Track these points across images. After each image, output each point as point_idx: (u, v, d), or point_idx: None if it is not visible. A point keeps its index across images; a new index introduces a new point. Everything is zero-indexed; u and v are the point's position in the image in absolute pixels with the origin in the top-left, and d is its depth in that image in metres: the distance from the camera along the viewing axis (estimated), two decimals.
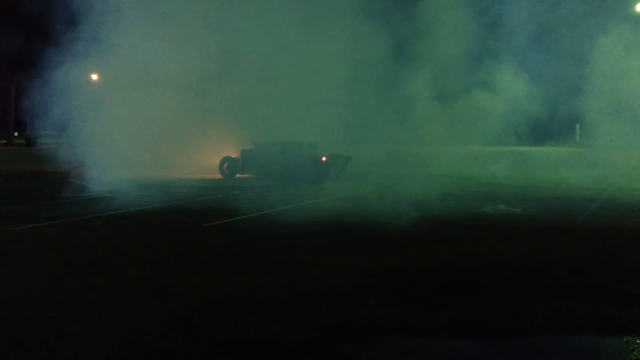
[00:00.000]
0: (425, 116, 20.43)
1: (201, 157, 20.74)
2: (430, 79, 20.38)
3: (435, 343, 5.27)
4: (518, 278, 7.17)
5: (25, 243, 9.21)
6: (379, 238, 9.64)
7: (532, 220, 11.46)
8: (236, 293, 6.49)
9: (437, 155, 23.60)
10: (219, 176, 19.92)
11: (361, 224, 10.86)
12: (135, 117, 18.63)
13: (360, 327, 5.49)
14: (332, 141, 19.99)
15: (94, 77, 62.61)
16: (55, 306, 6.02)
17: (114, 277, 7.13)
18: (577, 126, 29.31)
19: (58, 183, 18.22)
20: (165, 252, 8.59)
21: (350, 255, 8.39)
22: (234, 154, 20.07)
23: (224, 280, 7.06)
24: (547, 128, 27.35)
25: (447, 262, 7.95)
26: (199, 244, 9.16)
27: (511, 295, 6.44)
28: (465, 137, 22.51)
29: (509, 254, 8.51)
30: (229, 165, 19.93)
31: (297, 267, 7.66)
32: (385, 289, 6.69)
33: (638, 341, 5.20)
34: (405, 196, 14.61)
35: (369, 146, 24.13)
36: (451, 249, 8.86)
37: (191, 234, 10.05)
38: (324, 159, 18.73)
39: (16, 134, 62.72)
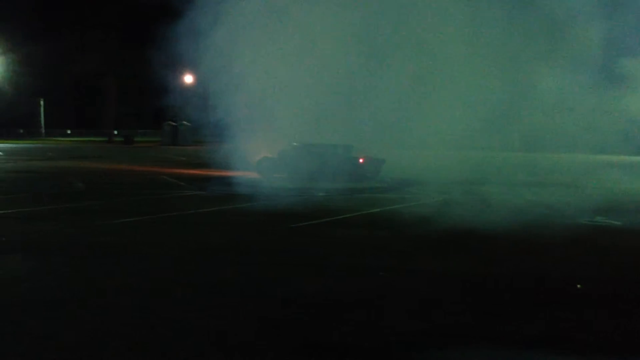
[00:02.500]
0: (544, 123, 19.26)
1: None
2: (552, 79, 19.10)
3: (519, 356, 5.03)
4: (609, 292, 6.74)
5: (117, 236, 9.65)
6: (466, 245, 9.37)
7: (632, 234, 10.75)
8: (318, 295, 6.49)
9: (538, 162, 22.66)
10: (255, 175, 20.27)
11: (447, 229, 10.60)
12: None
13: (442, 334, 5.33)
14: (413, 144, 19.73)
15: (189, 79, 64.97)
16: (137, 298, 6.25)
17: (199, 274, 7.33)
18: None
19: (152, 180, 19.07)
20: (251, 251, 8.74)
21: (436, 260, 8.20)
22: (270, 154, 20.34)
23: (307, 281, 7.08)
24: None
25: (534, 273, 7.61)
26: (284, 245, 9.25)
27: (601, 309, 6.07)
28: (574, 144, 21.17)
29: (601, 267, 8.03)
30: (267, 165, 20.19)
31: (381, 270, 7.57)
32: (469, 297, 6.48)
33: None
34: (495, 204, 14.15)
35: (456, 152, 23.60)
36: (540, 259, 8.47)
37: (277, 234, 10.17)
38: (361, 160, 18.84)
39: (115, 132, 66.11)
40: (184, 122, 56.92)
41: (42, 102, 70.40)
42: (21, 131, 73.82)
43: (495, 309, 6.11)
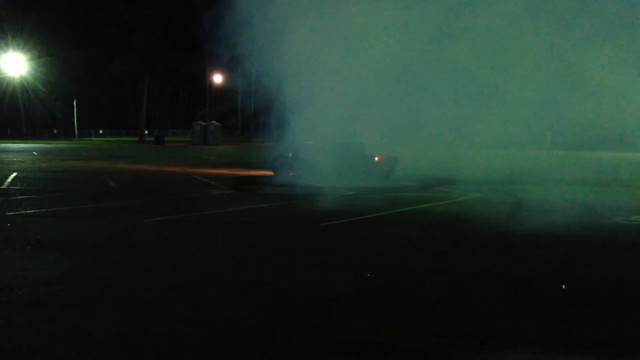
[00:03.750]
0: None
1: None
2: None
3: None
4: None
5: (153, 235, 9.76)
6: (500, 245, 9.23)
7: None
8: (353, 294, 6.45)
9: (578, 160, 22.19)
10: (270, 173, 20.40)
11: (480, 229, 10.47)
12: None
13: (481, 337, 5.25)
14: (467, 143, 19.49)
15: (218, 79, 65.30)
16: (176, 296, 6.30)
17: (232, 272, 7.36)
18: None
19: (184, 179, 19.25)
20: (284, 250, 8.75)
21: (471, 261, 8.09)
22: (285, 153, 20.52)
23: (341, 280, 7.05)
24: None
25: (573, 275, 7.44)
26: (316, 243, 9.24)
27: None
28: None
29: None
30: (282, 163, 20.23)
31: (415, 271, 7.50)
32: (508, 299, 6.37)
33: None
34: (528, 202, 13.94)
35: (490, 150, 23.31)
36: (577, 260, 8.29)
37: (309, 233, 10.16)
38: (376, 158, 18.99)
39: (146, 132, 67.03)
40: (213, 122, 57.51)
41: (75, 103, 71.76)
42: (55, 131, 75.45)
43: (535, 310, 5.99)
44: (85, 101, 73.72)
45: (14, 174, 20.98)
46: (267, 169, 21.06)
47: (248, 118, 73.99)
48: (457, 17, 18.48)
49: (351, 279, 7.11)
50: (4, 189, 16.45)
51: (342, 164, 18.39)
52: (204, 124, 56.86)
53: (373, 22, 19.26)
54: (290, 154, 20.15)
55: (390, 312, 5.86)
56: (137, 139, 65.91)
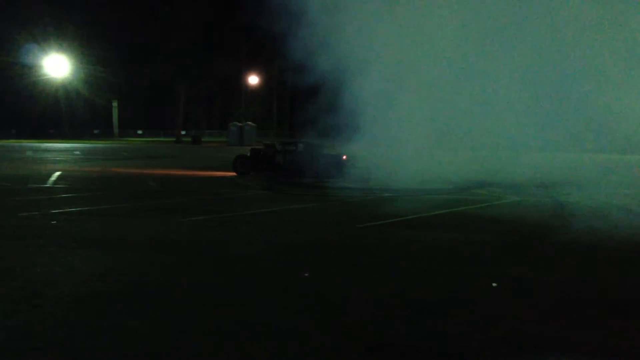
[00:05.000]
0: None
1: None
2: None
3: None
4: None
5: (189, 234, 9.92)
6: (537, 250, 9.10)
7: None
8: (391, 296, 6.46)
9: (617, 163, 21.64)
10: (232, 173, 21.01)
11: (517, 233, 10.33)
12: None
13: (521, 343, 5.20)
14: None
15: (254, 80, 65.60)
16: (215, 295, 6.40)
17: (269, 272, 7.44)
18: None
19: (220, 180, 19.47)
20: (320, 251, 8.79)
21: (512, 265, 8.00)
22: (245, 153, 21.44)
23: (377, 282, 7.05)
24: None
25: (617, 283, 7.29)
26: (352, 245, 9.26)
27: None
28: None
29: None
30: (241, 163, 21.11)
31: (454, 274, 7.45)
32: (550, 305, 6.28)
33: None
34: (569, 206, 13.69)
35: (526, 152, 22.93)
36: (621, 268, 8.11)
37: (344, 234, 10.18)
38: (344, 157, 19.79)
39: (184, 132, 67.97)
40: (249, 123, 57.97)
41: (115, 104, 73.18)
42: (96, 131, 77.12)
43: (580, 319, 5.90)
44: (124, 102, 75.16)
45: (58, 173, 21.54)
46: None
47: (283, 119, 74.36)
48: (505, 17, 18.25)
49: (387, 281, 7.10)
50: (48, 187, 16.92)
51: (310, 163, 19.37)
52: (239, 124, 57.38)
53: (427, 20, 19.10)
54: (248, 154, 21.27)
55: (426, 315, 5.85)
56: (174, 139, 66.91)
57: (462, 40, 18.72)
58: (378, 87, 19.59)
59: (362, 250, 8.88)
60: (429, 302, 6.26)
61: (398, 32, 19.43)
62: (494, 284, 6.97)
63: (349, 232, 10.37)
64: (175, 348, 4.95)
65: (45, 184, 17.78)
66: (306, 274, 7.36)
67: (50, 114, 71.41)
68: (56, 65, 65.38)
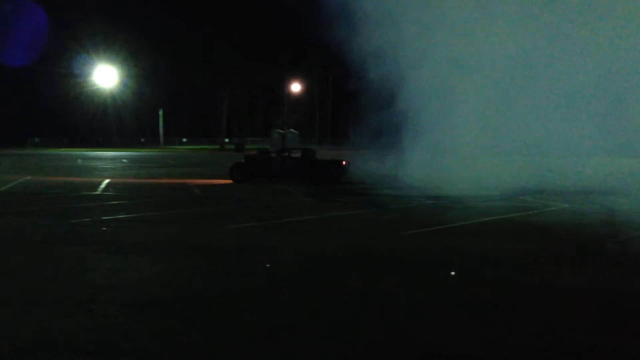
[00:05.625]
0: None
1: None
2: None
3: None
4: None
5: (233, 241, 10.05)
6: (589, 259, 8.87)
7: None
8: (436, 305, 6.40)
9: None
10: (228, 181, 21.12)
11: (566, 241, 10.09)
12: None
13: (575, 353, 5.07)
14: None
15: (297, 87, 65.95)
16: (260, 300, 6.46)
17: (313, 279, 7.47)
18: None
19: (265, 187, 19.66)
20: (364, 259, 8.78)
21: (560, 273, 7.81)
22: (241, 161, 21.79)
23: (422, 290, 7.00)
24: None
25: None
26: (397, 253, 9.21)
27: None
28: None
29: None
30: (238, 170, 21.24)
31: (501, 283, 7.33)
32: (605, 315, 6.11)
33: None
34: (621, 214, 13.29)
35: (576, 158, 22.36)
36: None
37: (388, 242, 10.14)
38: (344, 162, 20.88)
39: (227, 140, 68.91)
40: (292, 130, 58.37)
41: (161, 112, 74.77)
42: (143, 140, 78.94)
43: (627, 327, 5.73)
44: (170, 111, 76.75)
45: (107, 181, 22.13)
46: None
47: (325, 126, 74.64)
48: (563, 21, 17.91)
49: (432, 289, 7.04)
50: (98, 194, 17.41)
51: (289, 169, 20.42)
52: (282, 131, 57.83)
53: (482, 20, 18.86)
54: (243, 161, 21.62)
55: (476, 324, 5.77)
56: (218, 147, 67.87)
57: (518, 43, 18.41)
58: (429, 93, 19.45)
59: (406, 258, 8.82)
60: (476, 311, 6.17)
61: (451, 34, 19.25)
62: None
63: (393, 239, 10.32)
64: (218, 353, 5.02)
65: (96, 191, 18.30)
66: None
67: (99, 123, 73.56)
68: (105, 76, 67.32)
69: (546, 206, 14.83)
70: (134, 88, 68.14)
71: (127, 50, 65.17)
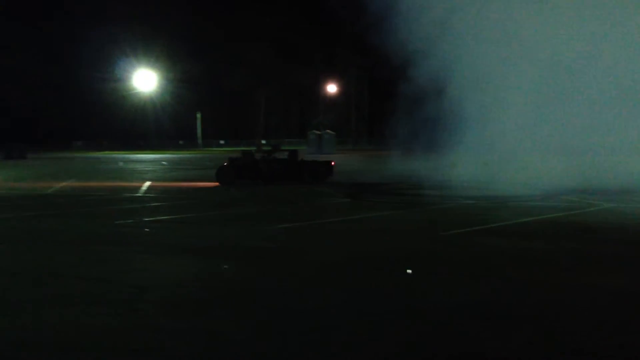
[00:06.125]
0: None
1: None
2: None
3: None
4: None
5: (276, 242, 10.09)
6: (637, 259, 8.62)
7: None
8: (476, 305, 6.31)
9: None
10: (214, 184, 20.76)
11: (611, 242, 9.83)
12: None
13: (617, 356, 4.94)
14: None
15: (332, 88, 65.88)
16: (301, 300, 6.47)
17: (354, 280, 7.45)
18: None
19: (302, 188, 19.72)
20: (406, 259, 8.72)
21: (606, 276, 7.61)
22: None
23: (464, 291, 6.91)
24: None
25: None
26: (438, 253, 9.13)
27: None
28: None
29: None
30: (225, 173, 20.86)
31: (542, 284, 7.18)
32: None
33: None
34: None
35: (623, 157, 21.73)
36: None
37: (429, 242, 10.05)
38: (332, 163, 21.67)
39: (264, 141, 69.39)
40: (328, 131, 58.42)
41: (199, 115, 75.76)
42: (181, 142, 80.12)
43: None
44: (207, 113, 77.68)
45: (148, 183, 22.53)
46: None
47: (362, 126, 74.45)
48: (617, 21, 17.47)
49: (473, 290, 6.94)
50: (139, 196, 17.74)
51: (298, 169, 20.59)
52: (318, 132, 57.94)
53: (532, 20, 18.48)
54: (225, 164, 21.24)
55: (512, 325, 5.67)
56: (255, 148, 68.42)
57: (569, 42, 17.99)
58: (473, 90, 19.16)
59: (447, 258, 8.72)
60: (521, 313, 6.06)
61: (499, 30, 18.88)
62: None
63: (434, 239, 10.23)
64: (262, 353, 5.05)
65: (137, 193, 18.65)
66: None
67: (139, 126, 74.96)
68: (144, 80, 68.60)
69: (591, 205, 14.48)
70: (172, 91, 69.28)
71: (166, 55, 66.29)
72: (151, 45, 66.07)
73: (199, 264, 8.33)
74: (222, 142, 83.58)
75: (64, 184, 22.06)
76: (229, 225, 11.92)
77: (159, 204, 15.81)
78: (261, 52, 63.73)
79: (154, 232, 11.16)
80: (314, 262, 8.42)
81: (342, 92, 74.23)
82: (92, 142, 74.88)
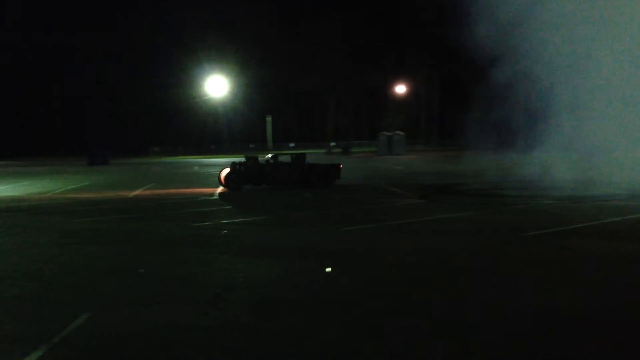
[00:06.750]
0: None
1: None
2: None
3: None
4: None
5: (352, 243, 10.09)
6: None
7: None
8: (562, 310, 6.08)
9: None
10: (214, 190, 20.38)
11: None
12: None
13: None
14: None
15: (402, 89, 65.40)
16: (386, 302, 6.43)
17: (435, 282, 7.35)
18: None
19: (375, 189, 19.64)
20: (487, 261, 8.53)
21: None
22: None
23: (547, 295, 6.68)
24: None
25: None
26: (521, 255, 8.87)
27: None
28: None
29: None
30: (235, 178, 20.15)
31: (630, 288, 6.83)
32: None
33: None
34: None
35: None
36: None
37: (511, 243, 9.78)
38: (341, 166, 21.34)
39: (333, 144, 69.71)
40: (398, 132, 57.98)
41: (269, 119, 76.99)
42: (252, 145, 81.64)
43: None
44: (277, 116, 78.82)
45: (221, 187, 23.03)
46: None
47: (432, 126, 73.45)
48: None
49: (557, 294, 6.69)
50: (215, 199, 18.18)
51: (306, 172, 20.31)
52: (388, 134, 57.60)
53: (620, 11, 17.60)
54: (230, 169, 20.49)
55: (596, 329, 5.42)
56: (324, 150, 68.76)
57: None
58: (554, 88, 18.47)
59: (530, 260, 8.46)
60: (603, 318, 5.79)
61: (583, 26, 18.09)
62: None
63: (514, 241, 9.94)
64: (351, 352, 5.05)
65: (213, 196, 19.12)
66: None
67: (211, 131, 77.00)
68: (216, 85, 70.41)
69: None
70: (243, 96, 70.78)
71: (237, 60, 67.81)
72: (223, 52, 67.77)
73: (279, 265, 8.44)
74: (291, 144, 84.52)
75: (144, 188, 22.93)
76: (304, 226, 12.02)
77: (233, 206, 16.15)
78: (331, 54, 64.11)
79: (230, 233, 11.40)
80: (397, 264, 8.36)
81: (412, 93, 73.51)
82: (169, 148, 77.45)
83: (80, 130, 79.14)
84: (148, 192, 21.16)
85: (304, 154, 21.60)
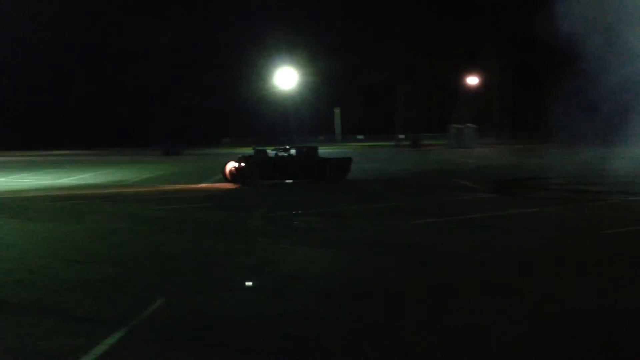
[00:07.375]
0: None
1: None
2: None
3: None
4: None
5: (419, 237, 9.95)
6: None
7: None
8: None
9: None
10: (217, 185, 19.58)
11: None
12: None
13: None
14: None
15: (473, 80, 64.11)
16: (448, 299, 6.31)
17: (504, 279, 7.15)
18: None
19: (446, 182, 19.32)
20: (559, 257, 8.22)
21: None
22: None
23: (630, 295, 6.36)
24: None
25: None
26: (599, 253, 8.49)
27: None
28: None
29: None
30: (245, 172, 19.29)
31: None
32: None
33: None
34: None
35: None
36: None
37: (588, 241, 9.38)
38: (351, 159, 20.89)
39: (402, 136, 69.02)
40: (469, 125, 56.74)
41: (337, 111, 77.08)
42: (320, 138, 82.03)
43: None
44: (345, 108, 78.80)
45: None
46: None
47: (505, 119, 71.45)
48: None
49: (626, 292, 6.37)
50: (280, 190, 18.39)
51: (303, 167, 19.73)
52: (459, 126, 56.48)
53: None
54: (242, 163, 19.64)
55: None
56: (393, 143, 68.21)
57: None
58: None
59: (611, 259, 8.08)
60: None
61: None
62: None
63: (593, 239, 9.53)
64: (411, 343, 4.99)
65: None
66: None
67: (280, 122, 77.92)
68: (285, 77, 71.11)
69: None
70: (311, 88, 71.16)
71: (306, 52, 68.21)
72: (292, 44, 68.32)
73: (349, 257, 8.43)
74: (360, 137, 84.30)
75: (215, 178, 23.45)
76: (373, 219, 11.96)
77: (303, 198, 16.25)
78: (400, 45, 63.43)
79: (297, 224, 11.49)
80: (456, 258, 8.19)
81: (484, 84, 71.68)
82: (239, 138, 78.95)
83: (149, 122, 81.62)
84: (214, 181, 21.46)
85: (315, 147, 21.20)
